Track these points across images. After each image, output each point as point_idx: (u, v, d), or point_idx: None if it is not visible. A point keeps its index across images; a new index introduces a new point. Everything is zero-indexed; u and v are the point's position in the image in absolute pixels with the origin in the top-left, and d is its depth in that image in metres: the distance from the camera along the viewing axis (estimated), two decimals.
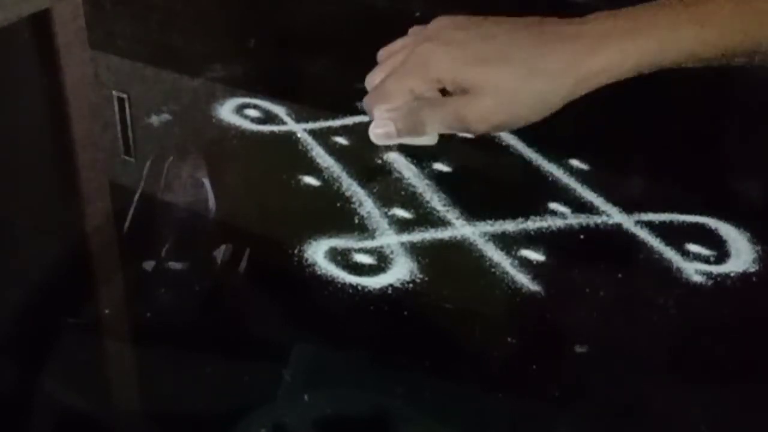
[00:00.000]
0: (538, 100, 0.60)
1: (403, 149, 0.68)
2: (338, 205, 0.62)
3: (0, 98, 0.76)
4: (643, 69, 0.60)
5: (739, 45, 0.59)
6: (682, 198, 0.63)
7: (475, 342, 0.54)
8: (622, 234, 0.60)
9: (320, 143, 0.68)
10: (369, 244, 0.58)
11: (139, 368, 0.52)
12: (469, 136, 0.65)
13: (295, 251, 0.57)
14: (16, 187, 0.65)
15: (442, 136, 0.65)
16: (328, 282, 0.55)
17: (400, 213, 0.61)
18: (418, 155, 0.67)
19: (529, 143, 0.69)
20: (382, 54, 0.68)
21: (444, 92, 0.64)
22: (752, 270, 0.57)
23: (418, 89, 0.63)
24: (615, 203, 0.62)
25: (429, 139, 0.65)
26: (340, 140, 0.69)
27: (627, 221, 0.61)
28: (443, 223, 0.61)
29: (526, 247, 0.58)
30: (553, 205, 0.62)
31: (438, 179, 0.65)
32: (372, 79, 0.67)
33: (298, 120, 0.71)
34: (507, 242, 0.59)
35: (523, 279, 0.56)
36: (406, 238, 0.59)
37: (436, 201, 0.63)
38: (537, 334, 0.54)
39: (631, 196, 0.64)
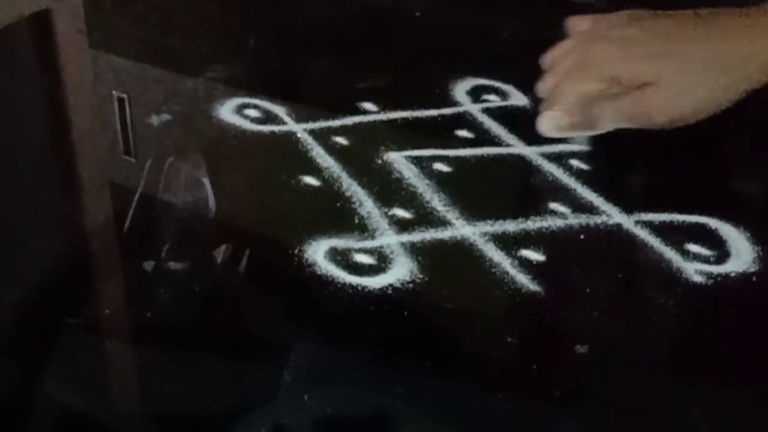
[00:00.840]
0: (719, 92, 0.60)
1: (403, 149, 0.68)
2: (338, 205, 0.62)
3: (0, 98, 0.76)
4: None
5: None
6: (682, 198, 0.63)
7: (475, 342, 0.54)
8: (622, 234, 0.60)
9: (320, 143, 0.68)
10: (369, 244, 0.58)
11: (139, 368, 0.52)
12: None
13: (295, 251, 0.58)
14: (16, 187, 0.65)
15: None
16: (328, 282, 0.55)
17: (400, 213, 0.61)
18: (418, 155, 0.67)
19: (529, 143, 0.69)
20: (547, 59, 0.68)
21: None
22: (752, 270, 0.57)
23: (593, 89, 0.62)
24: (615, 203, 0.62)
25: (584, 141, 0.65)
26: (340, 140, 0.69)
27: (627, 221, 0.61)
28: (443, 223, 0.61)
29: (526, 247, 0.58)
30: (553, 205, 0.62)
31: (438, 179, 0.65)
32: (544, 87, 0.66)
33: (298, 120, 0.71)
34: (507, 242, 0.59)
35: (523, 279, 0.56)
36: (406, 238, 0.59)
37: (436, 201, 0.63)
38: (537, 334, 0.54)
39: (631, 196, 0.64)
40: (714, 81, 0.60)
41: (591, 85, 0.62)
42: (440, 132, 0.70)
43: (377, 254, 0.57)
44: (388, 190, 0.64)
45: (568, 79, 0.64)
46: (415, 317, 0.53)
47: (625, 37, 0.62)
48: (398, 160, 0.67)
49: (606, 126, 0.63)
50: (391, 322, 0.53)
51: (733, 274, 0.57)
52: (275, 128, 0.71)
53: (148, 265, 0.56)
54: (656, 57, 0.60)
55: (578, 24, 0.68)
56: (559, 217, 0.61)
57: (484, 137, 0.70)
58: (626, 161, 0.69)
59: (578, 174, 0.65)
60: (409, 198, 0.63)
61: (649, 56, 0.61)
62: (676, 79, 0.60)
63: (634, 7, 0.66)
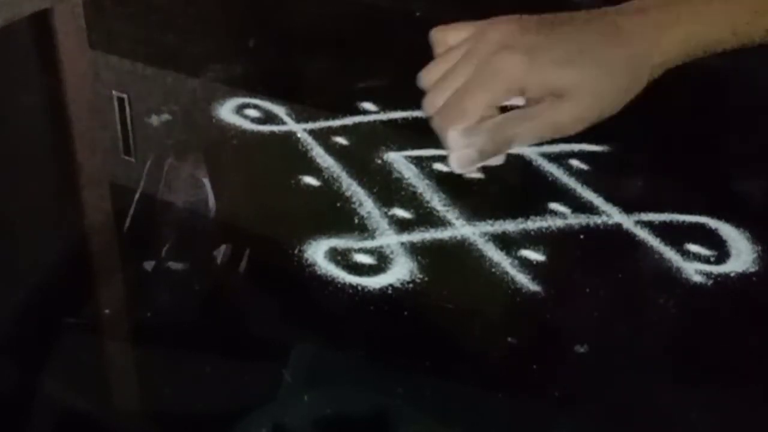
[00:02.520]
0: (625, 90, 0.60)
1: (403, 149, 0.68)
2: (338, 205, 0.62)
3: (0, 98, 0.76)
4: (707, 47, 0.61)
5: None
6: (682, 198, 0.63)
7: (475, 342, 0.54)
8: (622, 234, 0.60)
9: (320, 143, 0.68)
10: (369, 244, 0.58)
11: (139, 368, 0.52)
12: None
13: (295, 251, 0.58)
14: (16, 187, 0.65)
15: None
16: (328, 282, 0.55)
17: (400, 213, 0.61)
18: (418, 155, 0.67)
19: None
20: (426, 77, 0.63)
21: (503, 109, 0.61)
22: (752, 270, 0.57)
23: (500, 101, 0.60)
24: (615, 203, 0.62)
25: (499, 159, 0.62)
26: (340, 140, 0.69)
27: (627, 221, 0.61)
28: (443, 223, 0.61)
29: (526, 247, 0.58)
30: (553, 205, 0.62)
31: (438, 179, 0.65)
32: (433, 101, 0.61)
33: (298, 120, 0.71)
34: (507, 242, 0.59)
35: (523, 279, 0.56)
36: (406, 238, 0.59)
37: (436, 201, 0.63)
38: (537, 334, 0.54)
39: (631, 196, 0.64)
40: (618, 83, 0.60)
41: (498, 97, 0.59)
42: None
43: (377, 254, 0.57)
44: (388, 190, 0.64)
45: (468, 93, 0.59)
46: (415, 317, 0.53)
47: (530, 45, 0.59)
48: (398, 160, 0.67)
49: (522, 146, 0.62)
50: (391, 322, 0.53)
51: (733, 274, 0.57)
52: (275, 128, 0.71)
53: (148, 265, 0.56)
54: (564, 64, 0.59)
55: (450, 36, 0.64)
56: (559, 217, 0.61)
57: None
58: (626, 161, 0.69)
59: (578, 174, 0.65)
60: (409, 198, 0.63)
61: (557, 63, 0.59)
62: (586, 86, 0.59)
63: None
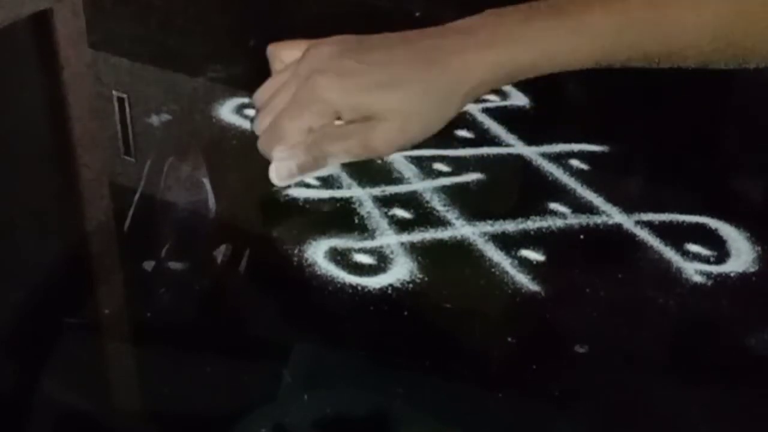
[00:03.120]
0: (437, 115, 0.60)
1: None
2: (338, 205, 0.62)
3: (0, 98, 0.76)
4: (524, 72, 0.60)
5: (618, 54, 0.59)
6: (682, 198, 0.63)
7: (475, 342, 0.54)
8: (622, 234, 0.60)
9: None
10: (369, 244, 0.58)
11: (139, 368, 0.52)
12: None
13: (295, 251, 0.58)
14: (16, 187, 0.65)
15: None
16: (328, 282, 0.55)
17: (400, 213, 0.61)
18: (418, 155, 0.67)
19: (529, 143, 0.69)
20: (258, 96, 0.65)
21: None
22: (752, 270, 0.57)
23: (316, 124, 0.60)
24: (615, 203, 0.62)
25: (329, 169, 0.63)
26: None
27: (627, 221, 0.61)
28: (443, 223, 0.61)
29: (526, 247, 0.58)
30: (553, 205, 0.62)
31: (438, 179, 0.65)
32: (260, 123, 0.62)
33: None
34: (507, 242, 0.59)
35: (523, 279, 0.56)
36: (406, 238, 0.59)
37: (436, 201, 0.63)
38: (537, 334, 0.54)
39: (631, 196, 0.64)
40: (433, 106, 0.60)
41: (313, 120, 0.60)
42: (440, 132, 0.70)
43: (377, 254, 0.57)
44: (388, 190, 0.64)
45: (286, 116, 0.60)
46: (415, 317, 0.53)
47: (343, 69, 0.60)
48: (398, 160, 0.67)
49: (335, 163, 0.62)
50: (391, 322, 0.53)
51: (733, 274, 0.57)
52: None
53: (148, 265, 0.56)
54: (376, 89, 0.59)
55: (284, 53, 0.65)
56: (559, 217, 0.61)
57: (483, 137, 0.70)
58: (626, 161, 0.69)
59: (578, 174, 0.65)
60: (409, 198, 0.63)
61: (369, 89, 0.59)
62: (397, 110, 0.59)
63: None
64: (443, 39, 0.61)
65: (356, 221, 0.60)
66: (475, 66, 0.60)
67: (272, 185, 0.63)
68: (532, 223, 0.60)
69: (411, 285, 0.55)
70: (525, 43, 0.59)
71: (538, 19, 0.60)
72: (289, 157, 0.60)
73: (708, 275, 0.56)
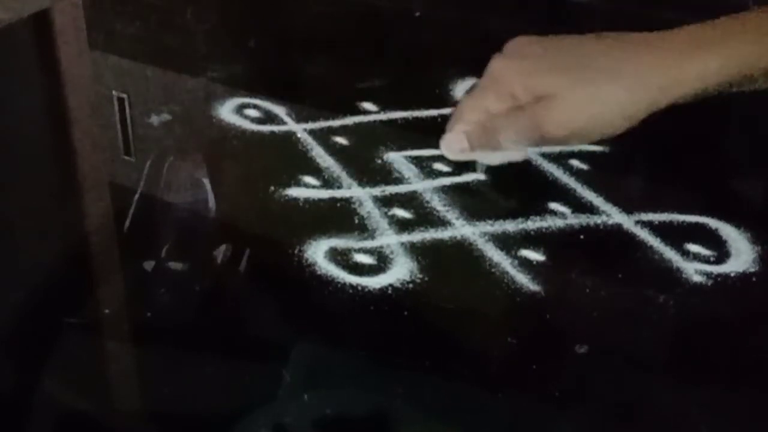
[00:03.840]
0: (618, 108, 0.57)
1: (403, 149, 0.68)
2: (338, 205, 0.62)
3: (0, 98, 0.76)
4: (731, 79, 0.57)
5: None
6: (682, 198, 0.63)
7: (475, 342, 0.54)
8: (622, 234, 0.60)
9: (320, 143, 0.68)
10: (369, 244, 0.58)
11: (139, 368, 0.52)
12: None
13: (295, 251, 0.58)
14: (16, 187, 0.65)
15: None
16: (328, 282, 0.55)
17: (400, 213, 0.61)
18: (418, 155, 0.67)
19: None
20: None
21: None
22: (752, 270, 0.57)
23: (494, 107, 0.60)
24: (615, 203, 0.62)
25: (514, 155, 0.62)
26: (340, 140, 0.69)
27: (627, 221, 0.61)
28: (443, 223, 0.61)
29: (526, 247, 0.58)
30: (553, 205, 0.62)
31: (438, 179, 0.65)
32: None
33: (298, 120, 0.71)
34: (507, 242, 0.59)
35: (523, 279, 0.56)
36: (406, 238, 0.59)
37: (436, 201, 0.63)
38: (537, 334, 0.54)
39: (631, 196, 0.64)
40: (612, 96, 0.57)
41: (488, 102, 0.60)
42: (440, 132, 0.70)
43: (377, 254, 0.57)
44: (388, 190, 0.64)
45: (467, 97, 0.62)
46: (415, 317, 0.53)
47: (525, 54, 0.60)
48: (398, 160, 0.67)
49: (509, 147, 0.61)
50: (391, 322, 0.53)
51: (733, 274, 0.57)
52: (275, 128, 0.71)
53: (148, 265, 0.56)
54: (553, 71, 0.58)
55: None
56: (559, 217, 0.61)
57: None
58: (626, 161, 0.69)
59: (578, 174, 0.65)
60: (409, 198, 0.63)
61: (547, 70, 0.58)
62: (570, 90, 0.57)
63: (630, 6, 0.66)
64: (642, 36, 0.59)
65: (356, 221, 0.60)
66: (673, 61, 0.57)
67: (272, 185, 0.63)
68: (532, 223, 0.60)
69: (411, 285, 0.55)
70: (738, 42, 0.57)
71: (752, 21, 0.57)
72: (464, 132, 0.61)
73: (708, 275, 0.56)
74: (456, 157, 0.63)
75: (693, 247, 0.58)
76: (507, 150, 0.61)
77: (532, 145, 0.62)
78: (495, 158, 0.63)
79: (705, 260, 0.58)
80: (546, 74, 0.58)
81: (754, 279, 0.56)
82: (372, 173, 0.65)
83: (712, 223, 0.61)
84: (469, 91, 0.63)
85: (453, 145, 0.62)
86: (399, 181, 0.65)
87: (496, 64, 0.60)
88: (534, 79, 0.58)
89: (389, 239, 0.59)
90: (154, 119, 0.72)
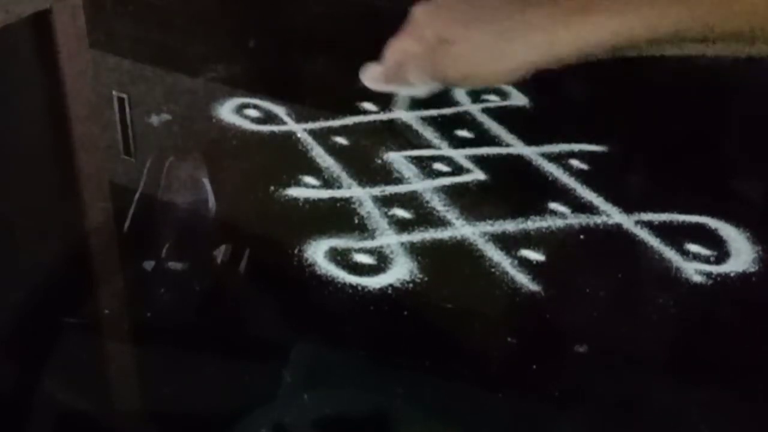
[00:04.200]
0: (512, 57, 0.61)
1: (403, 149, 0.68)
2: (338, 205, 0.62)
3: (0, 98, 0.76)
4: (618, 44, 0.57)
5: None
6: (682, 198, 0.63)
7: (475, 342, 0.54)
8: (622, 234, 0.60)
9: (320, 143, 0.68)
10: (369, 244, 0.58)
11: (139, 368, 0.52)
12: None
13: (295, 251, 0.57)
14: (16, 187, 0.65)
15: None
16: (328, 282, 0.55)
17: (400, 213, 0.61)
18: (418, 155, 0.67)
19: (529, 143, 0.69)
20: None
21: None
22: (752, 270, 0.57)
23: (410, 48, 0.65)
24: (615, 203, 0.62)
25: (422, 89, 0.67)
26: (340, 140, 0.69)
27: (627, 221, 0.61)
28: (443, 223, 0.61)
29: (526, 247, 0.58)
30: (553, 205, 0.62)
31: (438, 179, 0.65)
32: None
33: (298, 120, 0.71)
34: (507, 242, 0.59)
35: (523, 279, 0.56)
36: (406, 238, 0.59)
37: (436, 201, 0.63)
38: (537, 334, 0.54)
39: (631, 196, 0.64)
40: (509, 46, 0.60)
41: (407, 44, 0.65)
42: (440, 132, 0.70)
43: (377, 254, 0.57)
44: (388, 190, 0.64)
45: (391, 42, 0.66)
46: (415, 317, 0.53)
47: (442, 3, 0.65)
48: (398, 160, 0.67)
49: (416, 83, 0.66)
50: (391, 322, 0.53)
51: (732, 274, 0.57)
52: (275, 128, 0.71)
53: (148, 265, 0.56)
54: (458, 21, 0.63)
55: None
56: (559, 217, 0.61)
57: (483, 137, 0.70)
58: (626, 161, 0.69)
59: (578, 174, 0.65)
60: (409, 198, 0.63)
61: (453, 19, 0.63)
62: (473, 39, 0.62)
63: None
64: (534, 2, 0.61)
65: (356, 221, 0.60)
66: (567, 16, 0.58)
67: (272, 185, 0.63)
68: (532, 223, 0.60)
69: (411, 285, 0.55)
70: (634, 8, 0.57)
71: None
72: (378, 65, 0.67)
73: (708, 275, 0.56)
74: (371, 86, 0.68)
75: (693, 247, 0.58)
76: (417, 86, 0.67)
77: (436, 83, 0.66)
78: (409, 91, 0.68)
79: (705, 260, 0.58)
80: (451, 23, 0.63)
81: (754, 279, 0.56)
82: (372, 173, 0.65)
83: (712, 223, 0.61)
84: None
85: (370, 74, 0.68)
86: (399, 181, 0.65)
87: (417, 9, 0.65)
88: (441, 25, 0.64)
89: (389, 239, 0.59)
90: (154, 119, 0.72)
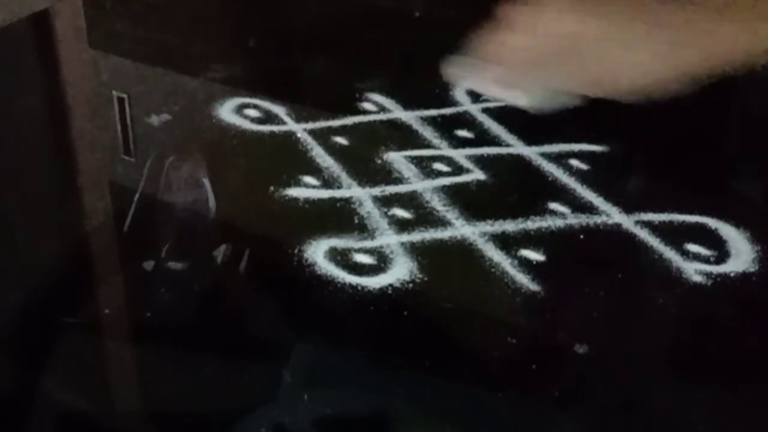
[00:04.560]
0: (663, 60, 0.54)
1: (403, 149, 0.68)
2: (338, 205, 0.62)
3: (0, 98, 0.76)
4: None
5: None
6: (682, 198, 0.63)
7: (475, 342, 0.54)
8: (622, 234, 0.60)
9: (320, 143, 0.68)
10: (369, 244, 0.58)
11: (139, 368, 0.52)
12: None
13: (295, 251, 0.58)
14: (16, 187, 0.65)
15: None
16: (328, 282, 0.55)
17: (400, 213, 0.61)
18: (418, 155, 0.67)
19: (529, 143, 0.69)
20: None
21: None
22: (752, 270, 0.57)
23: (540, 45, 0.56)
24: (615, 203, 0.62)
25: (538, 100, 0.58)
26: (340, 140, 0.69)
27: (627, 221, 0.61)
28: (443, 223, 0.61)
29: (526, 247, 0.58)
30: (553, 205, 0.62)
31: (438, 179, 0.65)
32: None
33: (298, 120, 0.71)
34: (507, 242, 0.59)
35: (523, 279, 0.56)
36: (406, 238, 0.59)
37: (436, 201, 0.63)
38: (537, 334, 0.54)
39: (631, 196, 0.64)
40: (670, 46, 0.53)
41: (535, 41, 0.55)
42: (440, 132, 0.70)
43: (377, 254, 0.57)
44: (388, 190, 0.64)
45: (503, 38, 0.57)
46: (415, 317, 0.53)
47: None
48: (398, 160, 0.67)
49: (540, 90, 0.56)
50: (391, 322, 0.53)
51: (732, 274, 0.57)
52: (275, 128, 0.71)
53: (148, 265, 0.56)
54: (604, 13, 0.54)
55: None
56: (559, 217, 0.61)
57: (484, 137, 0.70)
58: (626, 161, 0.69)
59: (578, 174, 0.65)
60: (409, 198, 0.63)
61: (599, 12, 0.54)
62: (619, 31, 0.53)
63: None
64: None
65: (356, 221, 0.60)
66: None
67: (272, 185, 0.63)
68: (532, 223, 0.60)
69: (411, 285, 0.55)
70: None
71: None
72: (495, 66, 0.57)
73: (708, 275, 0.56)
74: (486, 92, 0.61)
75: (693, 247, 0.58)
76: (538, 94, 0.57)
77: (562, 92, 0.56)
78: (524, 100, 0.58)
79: (705, 260, 0.58)
80: (583, 16, 0.54)
81: (754, 279, 0.56)
82: (372, 173, 0.65)
83: (712, 223, 0.61)
84: None
85: (479, 75, 0.58)
86: (399, 181, 0.65)
87: (519, 7, 0.56)
88: (585, 18, 0.54)
89: (389, 239, 0.59)
90: (154, 119, 0.72)
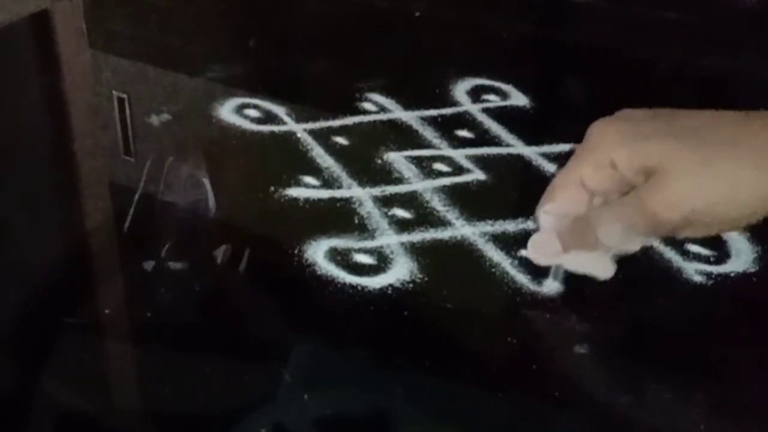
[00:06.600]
0: (747, 188, 0.45)
1: (403, 149, 0.68)
2: (338, 205, 0.62)
3: (0, 98, 0.76)
4: None
5: None
6: None
7: (475, 342, 0.54)
8: None
9: (320, 143, 0.68)
10: (369, 244, 0.58)
11: (139, 368, 0.52)
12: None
13: (295, 251, 0.57)
14: (16, 187, 0.65)
15: None
16: (328, 282, 0.55)
17: (400, 213, 0.61)
18: (418, 155, 0.67)
19: (529, 143, 0.69)
20: None
21: None
22: (752, 270, 0.57)
23: (590, 179, 0.49)
24: None
25: (605, 264, 0.50)
26: (340, 140, 0.69)
27: None
28: (443, 223, 0.61)
29: (526, 247, 0.58)
30: None
31: (438, 179, 0.65)
32: None
33: (298, 120, 0.71)
34: (507, 242, 0.59)
35: (523, 279, 0.56)
36: (406, 238, 0.59)
37: (436, 201, 0.63)
38: (537, 334, 0.54)
39: None
40: (745, 173, 0.45)
41: (585, 172, 0.49)
42: (440, 132, 0.70)
43: (377, 254, 0.57)
44: (388, 190, 0.64)
45: (560, 172, 0.51)
46: (415, 317, 0.53)
47: (626, 116, 0.49)
48: (398, 160, 0.67)
49: (609, 237, 0.48)
50: (391, 322, 0.53)
51: (733, 274, 0.57)
52: (275, 128, 0.71)
53: (148, 265, 0.56)
54: (663, 136, 0.46)
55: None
56: None
57: (484, 137, 0.70)
58: None
59: None
60: (409, 198, 0.63)
61: (654, 134, 0.46)
62: (686, 162, 0.45)
63: (630, 6, 0.64)
64: (765, 116, 0.47)
65: (356, 221, 0.60)
66: None
67: (272, 185, 0.63)
68: (532, 223, 0.60)
69: (411, 285, 0.55)
70: None
71: None
72: (555, 231, 0.51)
73: (708, 275, 0.56)
74: (546, 263, 0.53)
75: (693, 247, 0.58)
76: (604, 249, 0.49)
77: (638, 237, 0.49)
78: (583, 265, 0.51)
79: (705, 260, 0.58)
80: (653, 139, 0.46)
81: (754, 279, 0.56)
82: (372, 173, 0.65)
83: None
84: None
85: (542, 248, 0.51)
86: (399, 181, 0.65)
87: (595, 127, 0.49)
88: (639, 144, 0.47)
89: (389, 239, 0.59)
90: (154, 119, 0.72)
